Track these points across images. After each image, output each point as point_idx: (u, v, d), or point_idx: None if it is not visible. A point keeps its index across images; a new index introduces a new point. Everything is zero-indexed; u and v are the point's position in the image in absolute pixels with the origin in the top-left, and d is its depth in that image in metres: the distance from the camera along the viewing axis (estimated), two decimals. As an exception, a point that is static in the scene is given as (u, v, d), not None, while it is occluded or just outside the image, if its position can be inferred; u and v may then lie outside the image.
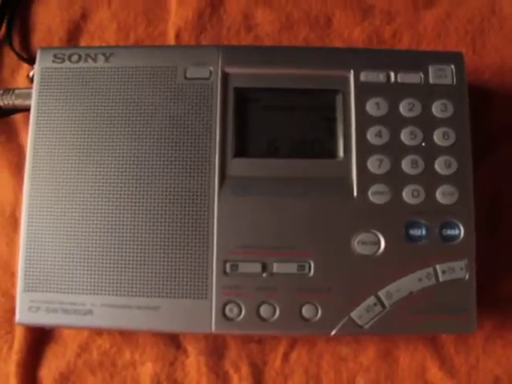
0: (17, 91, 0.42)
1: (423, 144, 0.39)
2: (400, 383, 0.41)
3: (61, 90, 0.39)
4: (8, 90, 0.42)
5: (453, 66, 0.40)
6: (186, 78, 0.39)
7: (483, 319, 0.42)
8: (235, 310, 0.37)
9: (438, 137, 0.39)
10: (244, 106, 0.39)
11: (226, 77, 0.39)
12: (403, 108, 0.39)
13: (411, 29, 0.47)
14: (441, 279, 0.37)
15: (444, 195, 0.38)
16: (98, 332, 0.42)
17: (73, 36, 0.48)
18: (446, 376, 0.41)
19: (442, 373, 0.41)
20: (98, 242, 0.37)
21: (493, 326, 0.42)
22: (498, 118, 0.46)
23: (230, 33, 0.47)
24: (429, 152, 0.38)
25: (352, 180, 0.38)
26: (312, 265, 0.37)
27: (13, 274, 0.43)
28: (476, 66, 0.46)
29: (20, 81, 0.47)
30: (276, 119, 0.40)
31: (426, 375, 0.42)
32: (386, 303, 0.37)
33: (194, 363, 0.42)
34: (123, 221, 0.37)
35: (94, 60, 0.40)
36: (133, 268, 0.37)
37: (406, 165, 0.38)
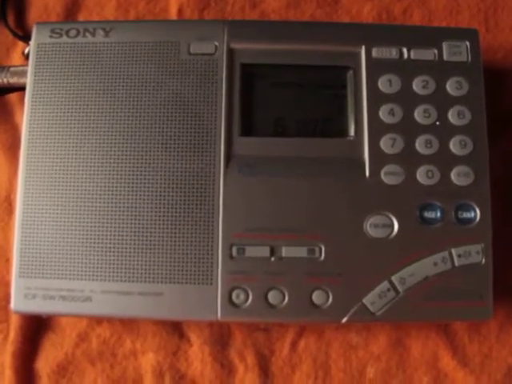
0: (12, 69, 0.41)
1: (437, 123, 0.38)
2: (412, 372, 0.41)
3: (58, 67, 0.38)
4: (2, 68, 0.41)
5: (467, 43, 0.39)
6: (189, 53, 0.38)
7: (497, 307, 0.40)
8: (242, 296, 0.36)
9: (452, 116, 0.38)
10: (251, 82, 0.38)
11: (231, 52, 0.38)
12: (417, 85, 0.38)
13: (422, 5, 0.46)
14: (456, 264, 0.36)
15: (459, 176, 0.37)
16: (98, 320, 0.41)
17: (70, 12, 0.46)
18: (458, 365, 0.41)
19: (455, 362, 0.41)
20: (97, 224, 0.36)
21: (506, 315, 0.42)
22: (511, 98, 0.45)
23: (235, 9, 0.46)
24: (443, 131, 0.38)
25: (364, 160, 0.37)
26: (322, 248, 0.36)
27: (8, 261, 0.42)
28: (489, 45, 0.45)
29: (15, 59, 0.45)
30: (284, 96, 0.39)
31: (439, 364, 0.41)
32: (400, 289, 0.36)
33: (197, 352, 0.41)
34: (123, 202, 0.36)
35: (93, 35, 0.39)
36: (134, 252, 0.36)
37: (419, 144, 0.37)
